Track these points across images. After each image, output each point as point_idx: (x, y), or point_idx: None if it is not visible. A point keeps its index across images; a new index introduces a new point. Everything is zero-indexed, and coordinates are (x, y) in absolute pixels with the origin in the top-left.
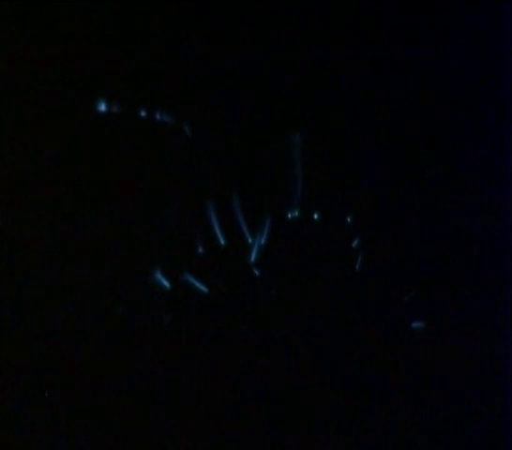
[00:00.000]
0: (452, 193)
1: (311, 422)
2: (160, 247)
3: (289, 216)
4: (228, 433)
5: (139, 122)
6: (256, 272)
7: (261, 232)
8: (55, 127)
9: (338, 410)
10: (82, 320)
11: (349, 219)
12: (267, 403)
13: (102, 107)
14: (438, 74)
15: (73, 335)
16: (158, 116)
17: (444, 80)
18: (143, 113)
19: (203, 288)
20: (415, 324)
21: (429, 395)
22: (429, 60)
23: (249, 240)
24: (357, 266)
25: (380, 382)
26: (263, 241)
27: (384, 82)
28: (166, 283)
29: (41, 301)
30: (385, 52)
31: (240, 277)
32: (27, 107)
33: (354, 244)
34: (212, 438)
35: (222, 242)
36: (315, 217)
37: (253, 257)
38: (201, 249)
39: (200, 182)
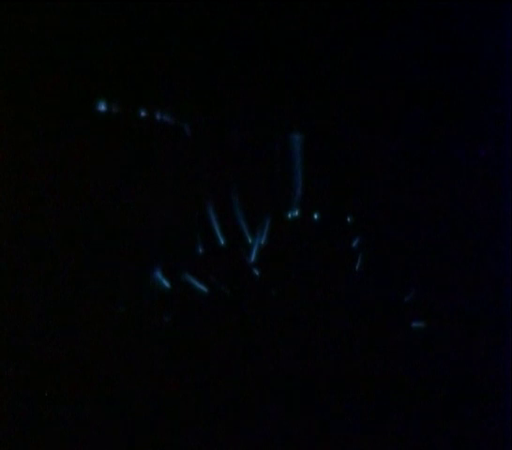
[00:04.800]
0: (452, 193)
1: (311, 421)
2: (160, 247)
3: (289, 216)
4: (228, 432)
5: (139, 122)
6: (256, 272)
7: (261, 232)
8: (55, 127)
9: (337, 409)
10: (83, 319)
11: (349, 219)
12: (267, 403)
13: (102, 107)
14: (438, 74)
15: (73, 334)
16: (158, 116)
17: (444, 80)
18: (142, 113)
19: (203, 288)
20: (415, 324)
21: (429, 394)
22: (429, 60)
23: (249, 240)
24: (357, 266)
25: (380, 382)
26: (263, 241)
27: (384, 81)
28: (166, 283)
29: (41, 300)
30: (386, 53)
31: (240, 277)
32: (27, 107)
33: (354, 244)
34: (211, 437)
35: (222, 242)
36: (315, 217)
37: (253, 257)
38: (201, 249)
39: (200, 182)
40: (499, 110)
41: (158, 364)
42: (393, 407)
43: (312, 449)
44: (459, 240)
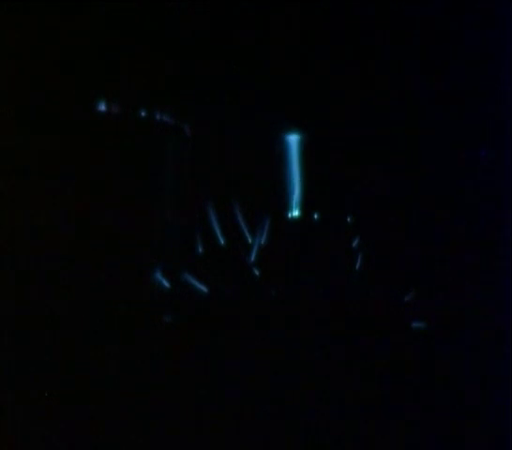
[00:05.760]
0: (452, 193)
1: (311, 421)
2: (160, 247)
3: (288, 216)
4: (227, 433)
5: (139, 122)
6: (256, 272)
7: (261, 232)
8: (55, 127)
9: (337, 409)
10: (83, 319)
11: (349, 219)
12: (267, 403)
13: (102, 107)
14: (438, 74)
15: (73, 334)
16: (157, 116)
17: (444, 80)
18: (142, 113)
19: (203, 288)
20: (415, 324)
21: (429, 394)
22: (429, 61)
23: (249, 240)
24: (357, 266)
25: (380, 382)
26: (263, 241)
27: (384, 82)
28: (166, 283)
29: (42, 300)
30: (386, 53)
31: (240, 277)
32: (28, 107)
33: (354, 244)
34: (211, 437)
35: (222, 242)
36: (315, 217)
37: (253, 257)
38: (201, 249)
39: (200, 182)
40: (499, 109)
41: (158, 364)
42: (393, 407)
43: (314, 448)
44: (459, 240)
